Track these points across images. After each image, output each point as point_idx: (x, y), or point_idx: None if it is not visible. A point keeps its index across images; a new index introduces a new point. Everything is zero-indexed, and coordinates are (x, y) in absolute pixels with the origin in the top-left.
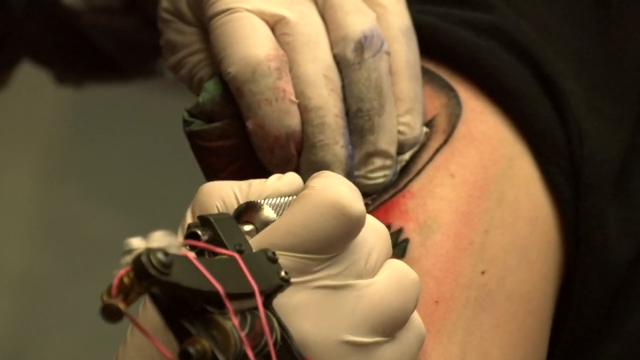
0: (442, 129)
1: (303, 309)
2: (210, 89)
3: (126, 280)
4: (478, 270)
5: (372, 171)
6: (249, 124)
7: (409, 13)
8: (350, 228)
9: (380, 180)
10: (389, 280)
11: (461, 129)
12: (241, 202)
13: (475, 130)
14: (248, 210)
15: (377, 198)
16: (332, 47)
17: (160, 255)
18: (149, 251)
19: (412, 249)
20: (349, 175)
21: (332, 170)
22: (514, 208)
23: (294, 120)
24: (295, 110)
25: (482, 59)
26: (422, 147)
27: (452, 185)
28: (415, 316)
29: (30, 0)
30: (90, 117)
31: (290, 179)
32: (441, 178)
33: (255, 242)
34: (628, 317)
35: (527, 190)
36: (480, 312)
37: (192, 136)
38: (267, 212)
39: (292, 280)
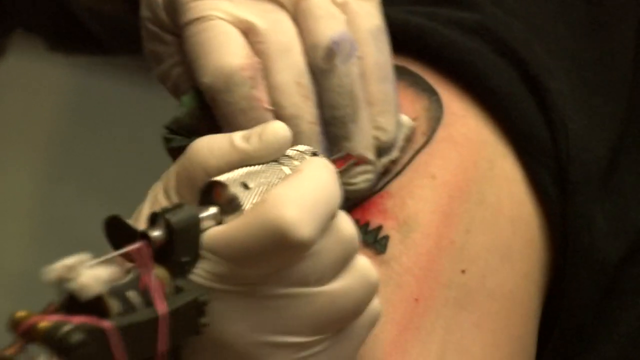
0: (421, 131)
1: (238, 312)
2: (187, 102)
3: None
4: (458, 269)
5: (353, 176)
6: None
7: (379, 11)
8: (290, 254)
9: (363, 185)
10: (343, 287)
11: (441, 132)
12: (232, 156)
13: (456, 133)
14: (214, 189)
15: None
16: (305, 54)
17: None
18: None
19: (392, 246)
20: None
21: None
22: (495, 208)
23: None
24: (270, 119)
25: (468, 60)
26: (405, 148)
27: (432, 186)
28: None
29: None
30: (91, 118)
31: (271, 133)
32: (421, 179)
33: (203, 242)
34: (619, 317)
35: (509, 191)
36: (460, 311)
37: (174, 152)
38: (235, 188)
39: (228, 287)
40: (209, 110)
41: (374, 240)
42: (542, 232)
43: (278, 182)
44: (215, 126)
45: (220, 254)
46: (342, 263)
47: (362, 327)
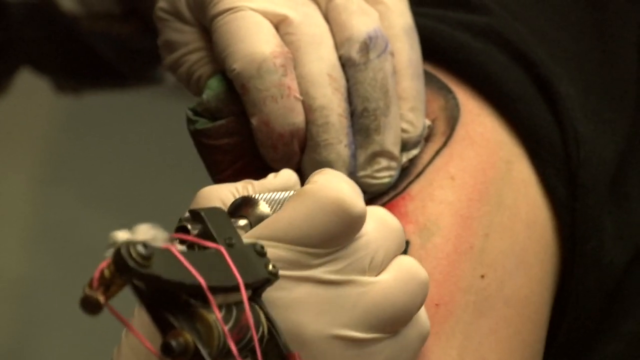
0: (441, 131)
1: (302, 302)
2: (214, 86)
3: (107, 273)
4: (477, 274)
5: (378, 171)
6: (254, 121)
7: (409, 10)
8: (351, 225)
9: (386, 180)
10: (395, 279)
11: (460, 132)
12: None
13: (474, 132)
14: (244, 205)
15: (376, 200)
16: (337, 49)
17: (140, 248)
18: (129, 243)
19: (413, 251)
20: (351, 174)
21: (335, 169)
22: (513, 212)
23: (298, 118)
24: (300, 108)
25: (479, 61)
26: (422, 148)
27: (452, 188)
28: (421, 313)
29: (29, 6)
30: (87, 122)
31: (286, 176)
32: (441, 181)
33: (256, 234)
34: (623, 319)
35: (525, 194)
36: (478, 317)
37: (197, 134)
38: (263, 207)
39: (292, 273)
40: (236, 96)
41: None
42: (554, 236)
43: None
44: (241, 112)
45: (284, 238)
46: (392, 253)
47: (415, 337)
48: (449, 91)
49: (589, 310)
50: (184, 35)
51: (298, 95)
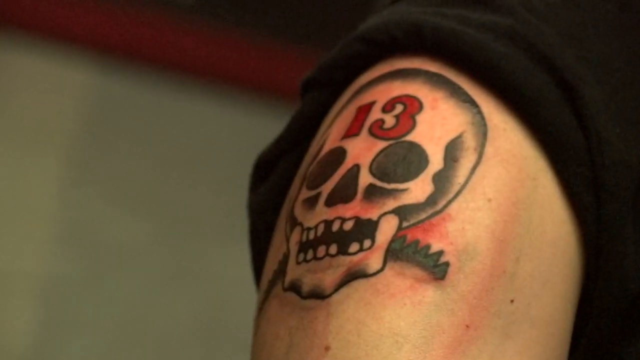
0: (472, 146)
1: None
2: None
3: None
4: (508, 299)
5: None
6: None
7: None
8: None
9: None
10: None
11: (489, 149)
12: None
13: (502, 149)
14: None
15: (413, 216)
16: None
17: None
18: None
19: (451, 273)
20: None
21: None
22: (540, 231)
23: None
24: None
25: (501, 66)
26: (456, 165)
27: (489, 210)
28: None
29: None
30: (113, 121)
31: None
32: (477, 202)
33: None
34: None
35: (551, 210)
36: (505, 339)
37: None
38: None
39: None
40: None
41: (434, 265)
42: (578, 247)
43: None
44: None
45: None
46: None
47: None
48: (474, 104)
49: (613, 316)
50: None
51: None
